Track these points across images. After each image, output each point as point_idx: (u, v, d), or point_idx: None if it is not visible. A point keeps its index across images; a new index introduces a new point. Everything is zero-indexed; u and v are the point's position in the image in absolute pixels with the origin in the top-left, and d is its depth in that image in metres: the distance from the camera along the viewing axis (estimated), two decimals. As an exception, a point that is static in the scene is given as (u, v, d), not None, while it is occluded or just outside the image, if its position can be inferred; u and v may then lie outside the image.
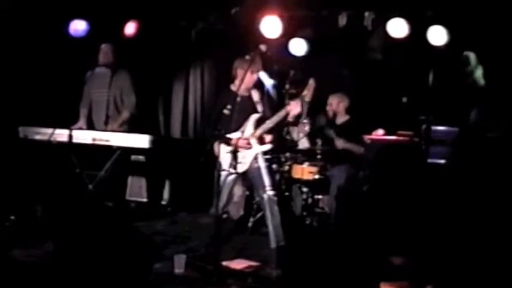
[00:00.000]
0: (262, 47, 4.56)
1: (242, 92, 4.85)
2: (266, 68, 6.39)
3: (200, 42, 7.35)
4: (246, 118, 4.93)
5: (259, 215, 5.96)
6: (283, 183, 5.82)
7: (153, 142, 5.64)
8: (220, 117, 4.78)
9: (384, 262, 4.24)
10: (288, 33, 6.54)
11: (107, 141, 5.67)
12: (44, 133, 5.69)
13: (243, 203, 6.03)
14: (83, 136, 5.71)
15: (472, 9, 5.53)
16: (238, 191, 6.18)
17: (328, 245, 3.60)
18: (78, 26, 6.66)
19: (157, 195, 6.46)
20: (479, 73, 5.00)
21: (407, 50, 6.11)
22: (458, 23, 5.69)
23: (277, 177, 5.62)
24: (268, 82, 6.45)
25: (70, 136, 5.45)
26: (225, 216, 5.03)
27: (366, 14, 6.16)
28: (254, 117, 4.93)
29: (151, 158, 6.29)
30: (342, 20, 6.30)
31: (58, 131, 5.53)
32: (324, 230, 5.33)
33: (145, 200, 6.37)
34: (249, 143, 4.87)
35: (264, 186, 4.81)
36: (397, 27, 5.97)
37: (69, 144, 5.49)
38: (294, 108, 4.75)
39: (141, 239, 4.00)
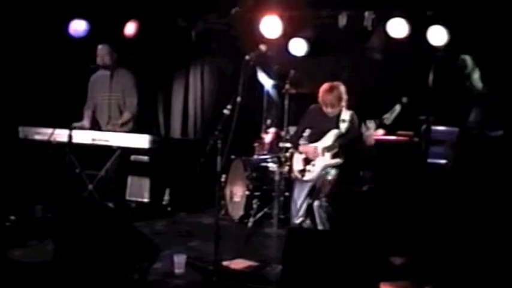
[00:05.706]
0: (262, 47, 4.55)
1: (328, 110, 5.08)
2: (266, 68, 6.40)
3: (200, 42, 7.35)
4: (326, 132, 5.11)
5: (259, 215, 5.96)
6: (283, 183, 5.81)
7: (153, 142, 5.64)
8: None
9: (384, 262, 4.24)
10: (288, 33, 6.54)
11: (107, 141, 5.67)
12: (44, 133, 5.69)
13: (243, 203, 6.02)
14: (82, 136, 5.71)
15: (472, 10, 5.53)
16: (239, 191, 6.19)
17: (328, 244, 3.59)
18: (78, 26, 6.67)
19: (158, 195, 6.45)
20: (476, 76, 5.00)
21: (407, 50, 6.11)
22: (458, 23, 5.69)
23: (277, 177, 5.62)
24: (268, 82, 6.45)
25: (70, 136, 5.44)
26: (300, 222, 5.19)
27: (366, 14, 6.16)
28: (334, 132, 5.09)
29: (151, 158, 6.28)
30: (342, 20, 6.30)
31: (58, 131, 5.52)
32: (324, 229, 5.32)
33: (146, 200, 6.36)
34: (316, 152, 5.08)
35: (318, 193, 5.02)
36: (397, 27, 5.97)
37: (69, 144, 5.47)
38: (369, 139, 5.03)
39: (140, 239, 4.00)
